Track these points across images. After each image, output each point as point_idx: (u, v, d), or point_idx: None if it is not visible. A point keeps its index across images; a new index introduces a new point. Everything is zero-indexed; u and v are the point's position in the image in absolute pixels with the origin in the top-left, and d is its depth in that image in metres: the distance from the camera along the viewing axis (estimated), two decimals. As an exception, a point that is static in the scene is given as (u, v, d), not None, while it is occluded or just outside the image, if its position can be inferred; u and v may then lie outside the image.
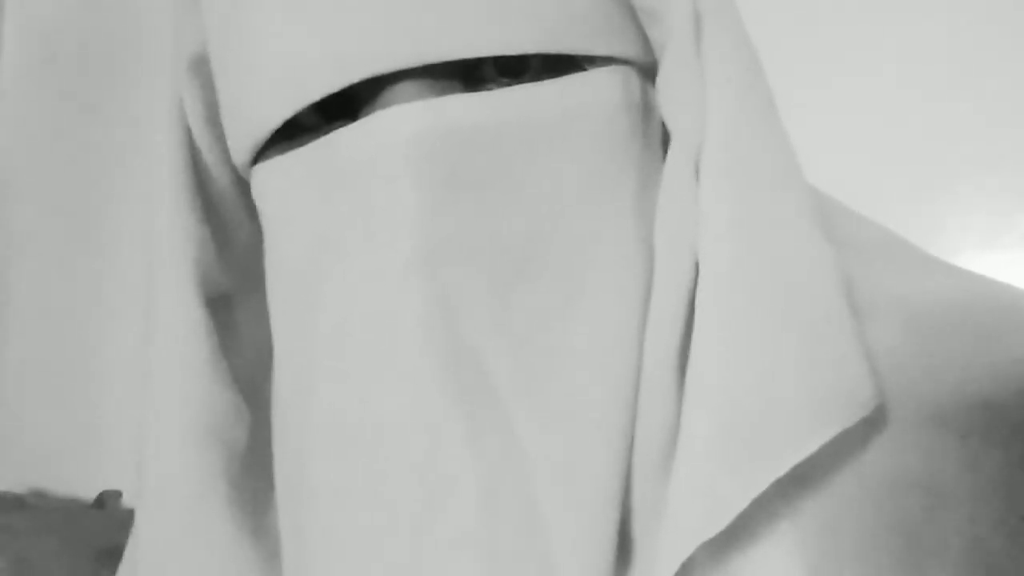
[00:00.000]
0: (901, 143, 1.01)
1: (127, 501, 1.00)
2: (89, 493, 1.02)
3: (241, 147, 0.45)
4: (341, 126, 0.43)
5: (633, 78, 0.44)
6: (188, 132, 0.49)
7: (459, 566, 0.40)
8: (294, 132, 0.44)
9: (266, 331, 0.47)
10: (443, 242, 0.40)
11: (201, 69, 0.48)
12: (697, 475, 0.39)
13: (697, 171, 0.43)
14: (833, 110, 1.01)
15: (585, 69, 0.43)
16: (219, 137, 0.48)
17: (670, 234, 0.42)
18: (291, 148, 0.44)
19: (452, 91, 0.42)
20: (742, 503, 0.38)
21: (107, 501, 1.00)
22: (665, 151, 0.45)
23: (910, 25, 1.03)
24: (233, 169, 0.48)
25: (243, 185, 0.48)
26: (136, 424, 0.50)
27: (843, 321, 0.40)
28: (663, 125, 0.45)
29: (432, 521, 0.40)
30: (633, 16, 0.44)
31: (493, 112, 0.41)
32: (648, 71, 0.45)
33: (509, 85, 0.42)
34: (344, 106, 0.42)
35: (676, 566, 0.38)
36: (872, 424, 0.40)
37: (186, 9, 0.48)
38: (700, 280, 0.41)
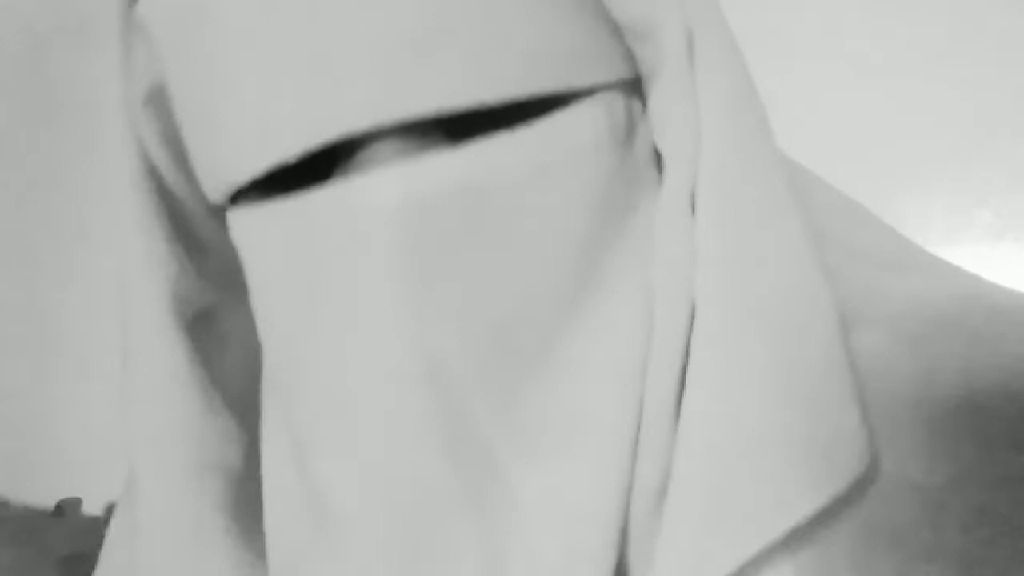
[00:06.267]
0: (861, 140, 1.02)
1: (87, 509, 0.99)
2: (48, 502, 1.01)
3: (213, 190, 0.44)
4: (319, 179, 0.41)
5: (617, 101, 0.43)
6: (149, 161, 0.47)
7: None
8: (271, 178, 0.42)
9: (255, 340, 0.45)
10: (433, 312, 0.39)
11: (158, 99, 0.46)
12: (687, 537, 0.39)
13: (693, 202, 0.41)
14: (792, 108, 1.01)
15: (568, 101, 0.41)
16: (183, 162, 0.47)
17: (667, 273, 0.41)
18: (268, 195, 0.42)
19: (430, 143, 0.40)
20: (731, 567, 0.38)
21: (67, 509, 0.99)
22: (655, 168, 0.44)
23: (868, 23, 1.03)
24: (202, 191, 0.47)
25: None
26: (95, 434, 0.49)
27: (840, 376, 0.39)
28: (652, 144, 0.44)
29: None
30: (616, 31, 0.43)
31: (472, 171, 0.40)
32: (633, 85, 0.44)
33: (488, 130, 0.40)
34: (322, 154, 0.41)
35: None
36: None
37: (136, 42, 0.46)
38: (695, 325, 0.40)
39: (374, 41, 0.39)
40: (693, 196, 0.41)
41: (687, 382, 0.40)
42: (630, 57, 0.43)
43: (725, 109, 0.41)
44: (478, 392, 0.40)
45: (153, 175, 0.47)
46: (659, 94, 0.43)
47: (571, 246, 0.41)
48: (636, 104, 0.44)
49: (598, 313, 0.41)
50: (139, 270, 0.47)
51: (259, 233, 0.43)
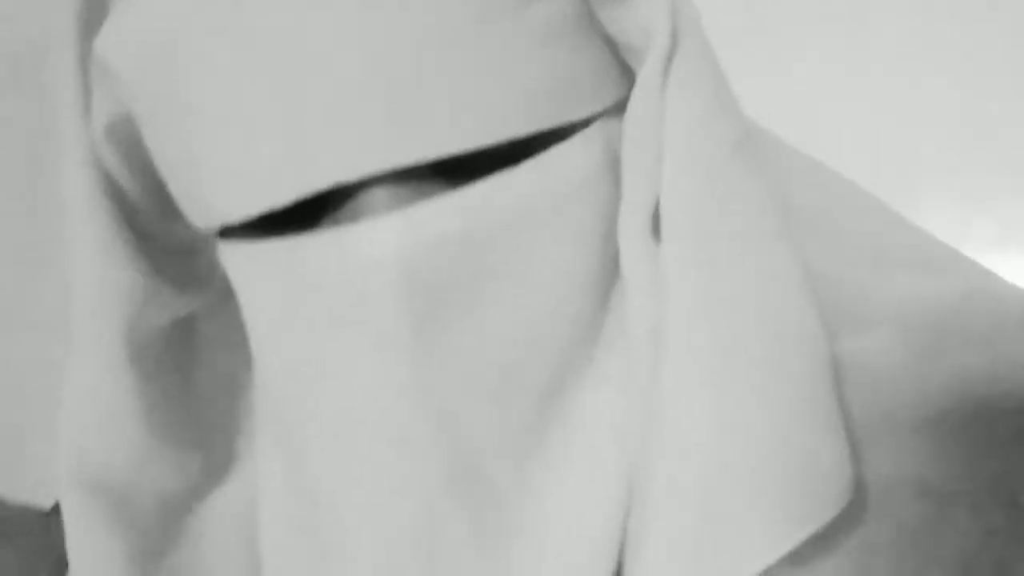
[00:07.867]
0: (861, 148, 1.02)
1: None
2: (45, 501, 1.01)
3: (196, 221, 0.43)
4: (312, 211, 0.40)
5: (614, 127, 0.42)
6: (111, 183, 0.45)
7: None
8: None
9: (240, 338, 0.45)
10: (438, 360, 0.39)
11: (121, 131, 0.45)
12: (677, 567, 0.38)
13: (656, 227, 0.40)
14: (790, 115, 1.01)
15: (566, 134, 0.41)
16: (151, 185, 0.45)
17: (635, 311, 0.41)
18: (259, 231, 0.41)
19: (426, 187, 0.39)
20: None
21: (63, 509, 0.99)
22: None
23: (869, 28, 1.03)
24: (170, 204, 0.45)
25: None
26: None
27: (828, 413, 0.39)
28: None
29: None
30: (612, 50, 0.42)
31: (470, 216, 0.39)
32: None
33: (486, 167, 0.39)
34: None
35: None
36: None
37: (95, 77, 0.44)
38: (669, 362, 0.39)
39: (362, 87, 0.37)
40: (655, 223, 0.40)
41: (665, 419, 0.39)
42: (627, 73, 0.42)
43: (694, 127, 0.40)
44: (483, 434, 0.40)
45: (115, 198, 0.45)
46: (631, 111, 0.41)
47: (576, 283, 0.40)
48: None
49: (598, 355, 0.42)
50: (92, 301, 0.46)
51: (253, 273, 0.42)
